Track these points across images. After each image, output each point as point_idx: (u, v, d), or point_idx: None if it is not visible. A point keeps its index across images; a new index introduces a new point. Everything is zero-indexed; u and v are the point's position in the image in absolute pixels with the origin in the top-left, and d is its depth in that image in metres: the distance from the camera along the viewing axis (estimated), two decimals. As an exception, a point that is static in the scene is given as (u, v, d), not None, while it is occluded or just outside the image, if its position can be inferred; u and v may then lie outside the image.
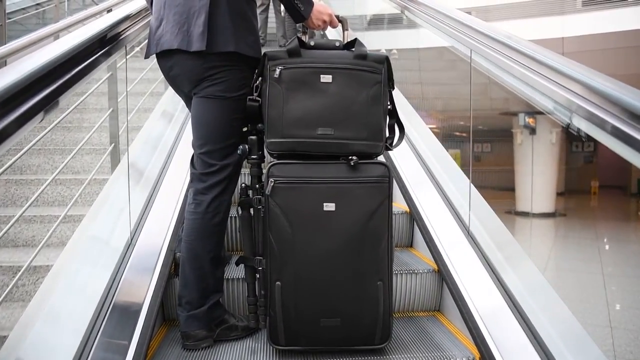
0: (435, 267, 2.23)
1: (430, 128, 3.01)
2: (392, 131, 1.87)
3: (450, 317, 2.14)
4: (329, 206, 1.70)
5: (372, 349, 1.76)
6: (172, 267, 2.13)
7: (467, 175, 2.21)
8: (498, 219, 2.15)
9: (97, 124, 2.64)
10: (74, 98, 2.90)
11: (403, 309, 2.24)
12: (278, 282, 1.71)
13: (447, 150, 2.70)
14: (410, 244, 2.73)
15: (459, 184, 2.42)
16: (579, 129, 1.34)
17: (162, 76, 1.83)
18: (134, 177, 2.32)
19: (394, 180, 2.97)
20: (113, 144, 2.64)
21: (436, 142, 2.90)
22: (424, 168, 2.79)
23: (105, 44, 1.75)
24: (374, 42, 4.42)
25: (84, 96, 2.53)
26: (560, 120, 1.49)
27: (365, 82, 1.71)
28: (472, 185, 2.19)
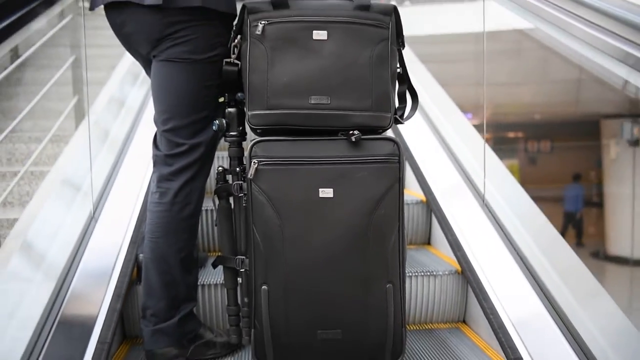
0: (458, 268, 2.16)
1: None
2: (402, 100, 1.78)
3: (477, 329, 2.04)
4: (326, 192, 1.56)
5: (381, 367, 1.69)
6: (134, 271, 2.03)
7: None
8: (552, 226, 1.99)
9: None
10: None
11: (419, 319, 2.14)
12: (264, 287, 1.59)
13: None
14: (428, 241, 2.61)
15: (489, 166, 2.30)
16: None
17: None
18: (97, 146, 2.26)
19: (406, 162, 2.62)
20: (77, 97, 2.50)
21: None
22: (440, 143, 2.66)
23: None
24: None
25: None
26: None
27: (369, 38, 1.59)
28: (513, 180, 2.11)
